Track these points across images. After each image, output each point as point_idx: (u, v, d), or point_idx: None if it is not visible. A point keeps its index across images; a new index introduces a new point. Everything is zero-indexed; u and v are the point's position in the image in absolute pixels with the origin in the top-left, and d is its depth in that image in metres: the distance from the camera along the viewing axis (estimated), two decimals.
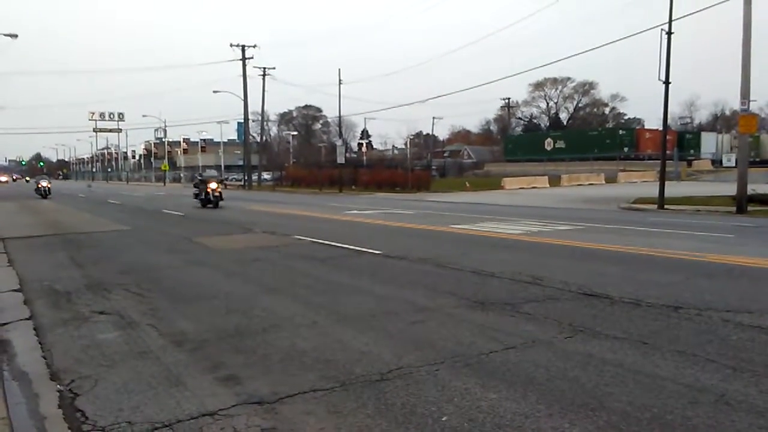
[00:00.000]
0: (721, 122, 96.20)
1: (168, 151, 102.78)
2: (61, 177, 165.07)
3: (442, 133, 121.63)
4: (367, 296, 8.05)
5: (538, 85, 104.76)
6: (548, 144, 76.08)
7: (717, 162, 66.85)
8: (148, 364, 5.34)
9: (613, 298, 7.59)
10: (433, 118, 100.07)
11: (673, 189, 29.74)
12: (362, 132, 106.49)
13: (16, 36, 31.61)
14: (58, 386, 4.87)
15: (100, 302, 7.96)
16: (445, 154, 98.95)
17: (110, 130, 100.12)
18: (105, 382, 4.92)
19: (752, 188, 23.64)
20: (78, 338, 6.26)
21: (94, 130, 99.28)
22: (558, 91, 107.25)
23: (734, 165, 36.28)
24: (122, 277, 9.84)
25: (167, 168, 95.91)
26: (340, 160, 53.03)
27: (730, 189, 25.21)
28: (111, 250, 13.47)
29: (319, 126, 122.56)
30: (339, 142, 58.56)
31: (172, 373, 5.08)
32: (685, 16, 26.55)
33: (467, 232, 16.18)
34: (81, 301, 8.09)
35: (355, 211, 24.84)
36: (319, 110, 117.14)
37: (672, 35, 25.68)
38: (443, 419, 4.07)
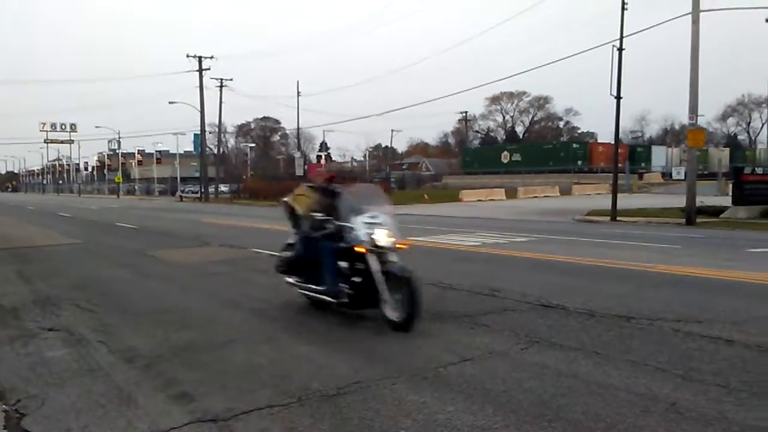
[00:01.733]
0: (670, 136, 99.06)
1: (122, 163, 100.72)
2: (10, 189, 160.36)
3: (400, 146, 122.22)
4: (324, 310, 7.99)
5: (495, 99, 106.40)
6: (505, 157, 77.19)
7: (667, 175, 68.72)
8: (98, 382, 5.18)
9: (568, 309, 7.70)
10: (392, 130, 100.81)
11: (625, 201, 30.46)
12: (321, 144, 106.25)
13: None
14: (4, 406, 4.69)
15: (48, 318, 7.72)
16: (404, 167, 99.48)
17: (62, 142, 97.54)
18: (53, 401, 4.76)
19: (701, 200, 24.39)
20: (25, 356, 6.05)
21: (45, 141, 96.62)
22: (514, 105, 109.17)
23: (683, 177, 37.41)
24: (72, 292, 9.57)
25: (121, 180, 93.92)
26: (299, 172, 52.91)
27: (680, 201, 25.94)
28: (61, 265, 13.10)
29: (278, 138, 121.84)
30: (297, 155, 58.47)
31: (123, 392, 4.95)
32: (635, 33, 27.28)
33: (425, 244, 16.25)
34: (29, 317, 7.82)
35: None
36: (278, 122, 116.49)
37: (623, 51, 26.42)
38: None
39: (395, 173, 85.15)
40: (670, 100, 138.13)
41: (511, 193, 51.45)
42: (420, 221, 26.03)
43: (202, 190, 64.62)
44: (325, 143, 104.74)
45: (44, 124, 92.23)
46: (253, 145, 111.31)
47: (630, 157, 66.97)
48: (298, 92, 55.43)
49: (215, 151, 77.03)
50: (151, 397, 4.84)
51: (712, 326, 6.80)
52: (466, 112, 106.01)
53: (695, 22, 22.96)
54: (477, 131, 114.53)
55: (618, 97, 26.78)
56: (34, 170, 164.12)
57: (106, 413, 4.49)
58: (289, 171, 63.81)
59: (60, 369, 5.58)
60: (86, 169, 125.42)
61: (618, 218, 25.69)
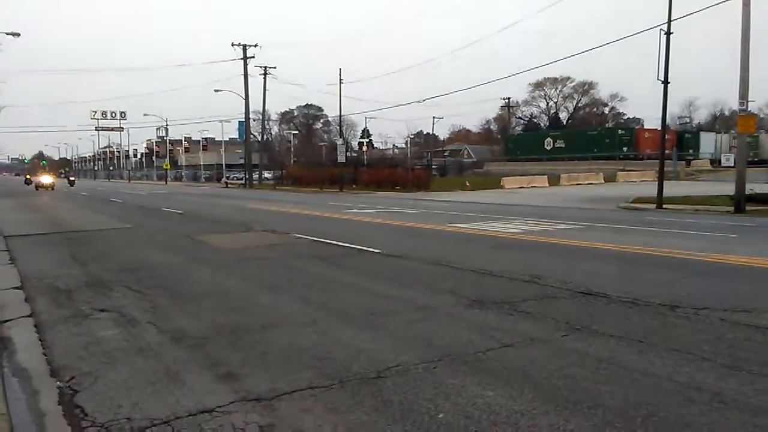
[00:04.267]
0: (720, 122, 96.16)
1: (170, 150, 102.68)
2: (63, 175, 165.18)
3: (442, 133, 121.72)
4: (366, 295, 8.09)
5: (538, 85, 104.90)
6: (548, 143, 76.08)
7: (716, 162, 66.76)
8: (147, 362, 5.37)
9: (610, 297, 7.62)
10: (434, 117, 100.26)
11: (672, 189, 29.78)
12: (363, 131, 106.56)
13: (18, 35, 31.69)
14: (58, 383, 4.90)
15: (100, 300, 7.99)
16: (446, 154, 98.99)
17: (112, 129, 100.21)
18: (104, 379, 4.95)
19: (750, 188, 23.68)
20: (78, 335, 6.30)
21: (96, 129, 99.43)
22: (558, 91, 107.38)
23: (733, 165, 36.29)
24: (123, 274, 9.88)
25: (168, 167, 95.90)
26: (341, 159, 53.10)
27: (729, 189, 25.25)
28: (112, 248, 13.50)
29: (320, 125, 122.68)
30: (340, 141, 58.62)
31: (171, 370, 5.12)
32: (683, 17, 26.50)
33: (467, 231, 16.22)
34: (82, 298, 8.12)
35: (356, 210, 24.88)
36: (320, 109, 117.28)
37: (671, 35, 25.70)
38: (439, 416, 4.10)
39: (437, 160, 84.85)
40: (719, 86, 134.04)
41: (554, 181, 50.77)
42: (462, 208, 25.94)
43: (247, 176, 65.48)
44: (367, 130, 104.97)
45: (95, 112, 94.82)
46: (296, 132, 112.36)
47: (677, 143, 65.38)
48: (341, 80, 55.54)
49: (259, 139, 77.91)
50: (197, 376, 4.99)
51: (761, 316, 6.65)
52: (509, 98, 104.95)
53: (746, 5, 22.19)
54: (520, 117, 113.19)
55: (665, 82, 26.10)
56: (86, 157, 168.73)
57: (156, 391, 4.66)
58: (331, 158, 64.06)
59: (111, 348, 5.80)
60: (135, 155, 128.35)
61: (664, 206, 25.13)
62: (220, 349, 5.71)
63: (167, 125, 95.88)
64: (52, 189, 42.56)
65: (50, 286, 9.05)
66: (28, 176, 64.45)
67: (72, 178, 63.61)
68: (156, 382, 4.84)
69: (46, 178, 48.96)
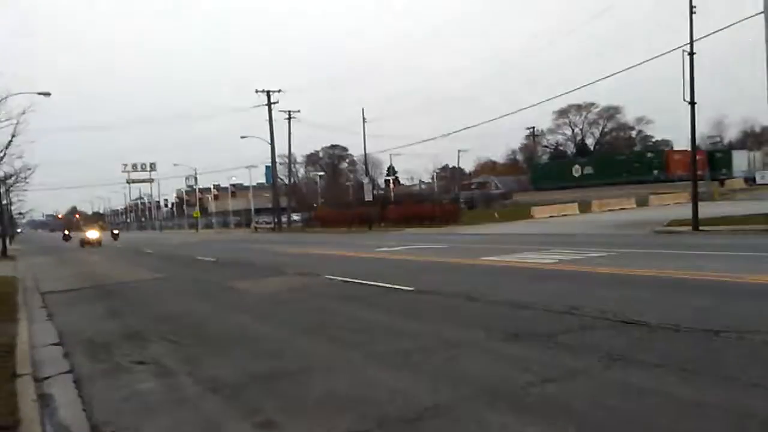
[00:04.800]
0: (751, 139, 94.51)
1: (199, 198, 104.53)
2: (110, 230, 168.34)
3: (467, 166, 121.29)
4: (401, 334, 8.03)
5: (562, 113, 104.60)
6: (576, 170, 75.50)
7: (750, 180, 65.57)
8: (186, 413, 5.38)
9: (650, 325, 7.44)
10: (459, 151, 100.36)
11: (706, 209, 29.22)
12: (388, 168, 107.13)
13: (48, 94, 32.71)
14: None
15: (137, 352, 8.06)
16: (473, 186, 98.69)
17: (143, 181, 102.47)
18: None
19: None
20: (117, 389, 6.34)
21: (127, 182, 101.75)
22: (582, 118, 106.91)
23: None
24: (158, 325, 9.97)
25: (199, 215, 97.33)
26: (368, 197, 53.37)
27: (767, 207, 24.71)
28: (147, 299, 13.67)
29: (346, 165, 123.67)
30: (366, 180, 59.02)
31: (210, 421, 5.11)
32: (705, 37, 26.34)
33: (499, 263, 16.07)
34: (119, 351, 8.20)
35: (386, 248, 24.85)
36: (345, 149, 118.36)
37: (694, 55, 25.57)
38: None
39: (464, 193, 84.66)
40: (748, 102, 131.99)
41: (585, 207, 50.23)
42: (492, 240, 25.78)
43: (275, 220, 66.12)
44: (393, 167, 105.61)
45: (126, 165, 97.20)
46: (323, 173, 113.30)
47: (709, 163, 64.39)
48: (364, 118, 56.01)
49: (286, 182, 78.79)
50: (237, 424, 4.98)
51: None
52: (533, 128, 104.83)
53: None
54: (545, 146, 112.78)
55: (692, 103, 25.87)
56: (118, 209, 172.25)
57: None
58: (359, 197, 64.41)
59: (150, 401, 5.82)
60: (166, 205, 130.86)
61: (700, 227, 24.64)
62: (257, 397, 5.69)
63: (196, 174, 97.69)
64: (99, 245, 38.06)
65: (88, 340, 9.16)
66: (66, 231, 56.80)
67: (116, 231, 56.66)
68: None
69: (92, 233, 41.65)
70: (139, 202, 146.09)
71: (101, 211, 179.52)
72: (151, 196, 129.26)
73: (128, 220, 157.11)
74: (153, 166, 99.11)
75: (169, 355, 7.74)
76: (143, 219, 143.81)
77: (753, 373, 5.31)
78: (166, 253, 32.95)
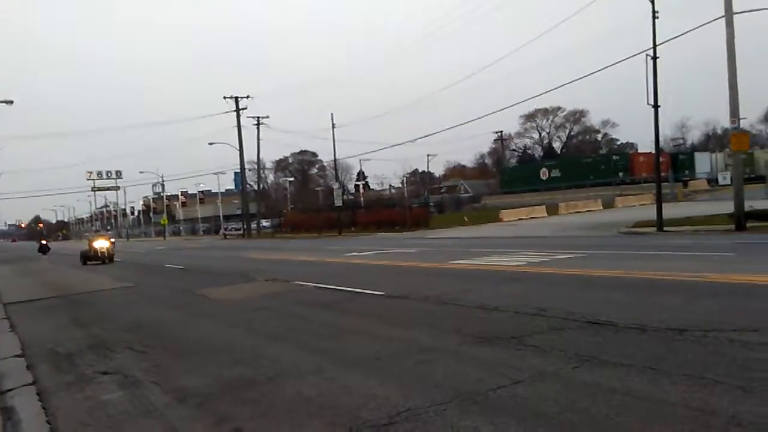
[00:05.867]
0: (713, 141, 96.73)
1: (166, 205, 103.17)
2: (60, 238, 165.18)
3: (437, 170, 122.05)
4: (371, 339, 8.01)
5: (530, 117, 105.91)
6: (543, 173, 76.39)
7: (713, 181, 67.02)
8: (153, 423, 5.28)
9: (617, 325, 7.55)
10: (428, 155, 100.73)
11: (670, 210, 29.79)
12: (358, 173, 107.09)
13: (11, 102, 32.10)
14: None
15: (102, 362, 7.91)
16: (442, 190, 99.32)
17: (108, 188, 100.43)
18: None
19: (750, 204, 23.69)
20: (82, 400, 6.21)
21: (92, 189, 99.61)
22: (549, 121, 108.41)
23: (730, 183, 36.41)
24: (125, 335, 9.79)
25: (166, 222, 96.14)
26: (338, 202, 53.28)
27: (728, 207, 25.27)
28: (113, 308, 13.42)
29: (316, 170, 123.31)
30: (336, 185, 58.96)
31: (177, 431, 5.02)
32: (667, 41, 26.91)
33: (469, 267, 16.16)
34: (84, 362, 8.03)
35: (356, 253, 24.83)
36: (315, 155, 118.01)
37: (657, 59, 26.09)
38: None
39: (434, 197, 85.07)
40: (710, 105, 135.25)
41: (553, 210, 50.85)
42: (462, 244, 25.92)
43: (245, 226, 65.58)
44: (363, 172, 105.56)
45: (91, 172, 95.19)
46: (292, 179, 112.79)
47: (673, 165, 65.59)
48: (333, 124, 55.92)
49: (255, 188, 78.27)
50: None
51: None
52: (501, 132, 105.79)
53: (729, 24, 22.59)
54: (513, 150, 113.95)
55: (656, 106, 26.39)
56: (83, 218, 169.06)
57: None
58: (329, 202, 64.27)
59: (116, 411, 5.70)
60: (133, 213, 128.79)
61: (664, 228, 25.12)
62: (227, 405, 5.61)
63: (163, 181, 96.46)
64: (111, 260, 29.50)
65: (51, 351, 8.96)
66: (44, 241, 46.76)
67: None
68: None
69: (101, 243, 30.36)
70: (104, 210, 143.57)
71: (65, 220, 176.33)
72: (117, 204, 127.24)
73: (94, 228, 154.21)
74: (119, 174, 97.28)
75: (136, 364, 7.60)
76: (109, 227, 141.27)
77: (717, 371, 5.41)
78: (133, 261, 32.42)
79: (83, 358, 8.29)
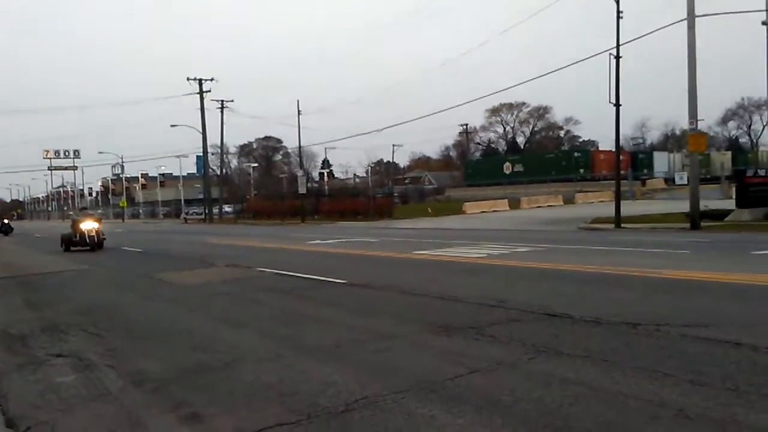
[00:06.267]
0: (672, 142, 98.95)
1: (126, 187, 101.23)
2: (15, 217, 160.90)
3: (402, 160, 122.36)
4: (332, 326, 8.02)
5: (495, 111, 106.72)
6: (507, 168, 77.26)
7: (670, 180, 68.63)
8: (107, 407, 5.20)
9: (574, 318, 7.69)
10: (393, 145, 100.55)
11: (629, 208, 30.43)
12: (323, 161, 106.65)
13: None
14: None
15: (56, 345, 7.75)
16: (407, 181, 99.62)
17: (65, 168, 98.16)
18: (62, 427, 4.78)
19: (704, 204, 24.37)
20: (34, 383, 6.08)
21: (49, 169, 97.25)
22: (514, 116, 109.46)
23: (686, 183, 37.32)
24: (80, 317, 9.60)
25: (125, 204, 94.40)
26: (302, 190, 52.96)
27: (684, 206, 25.93)
28: (68, 291, 13.15)
29: (280, 157, 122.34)
30: (300, 173, 58.56)
31: (132, 415, 4.96)
32: (631, 41, 27.41)
33: (431, 257, 16.26)
34: (36, 344, 7.85)
35: (319, 241, 24.76)
36: (280, 141, 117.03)
37: (620, 59, 26.53)
38: None
39: (398, 188, 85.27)
40: (670, 106, 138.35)
41: (515, 204, 51.46)
42: (425, 235, 26.06)
43: (207, 211, 64.80)
44: (327, 160, 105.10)
45: (47, 151, 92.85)
46: (256, 164, 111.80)
47: (632, 163, 67.03)
48: (299, 111, 55.42)
49: (218, 173, 77.33)
50: (160, 419, 4.85)
51: (720, 330, 6.78)
52: (466, 125, 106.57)
53: (691, 27, 23.09)
54: (478, 143, 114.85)
55: (617, 105, 26.86)
56: (39, 197, 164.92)
57: None
58: (292, 189, 63.89)
59: (69, 395, 5.60)
60: (90, 194, 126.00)
61: (622, 225, 25.66)
62: (183, 390, 5.56)
63: (123, 162, 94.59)
64: (101, 247, 24.60)
65: (3, 333, 8.74)
66: (6, 220, 42.98)
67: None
68: (116, 429, 4.68)
69: (89, 224, 25.01)
70: (61, 190, 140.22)
71: (21, 199, 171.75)
72: (74, 184, 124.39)
73: (50, 209, 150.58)
74: (77, 153, 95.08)
75: (91, 347, 7.47)
76: (66, 208, 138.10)
77: (667, 364, 5.56)
78: None
79: (36, 340, 8.11)
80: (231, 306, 10.14)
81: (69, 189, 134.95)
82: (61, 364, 6.76)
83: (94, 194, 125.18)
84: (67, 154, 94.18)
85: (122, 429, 4.67)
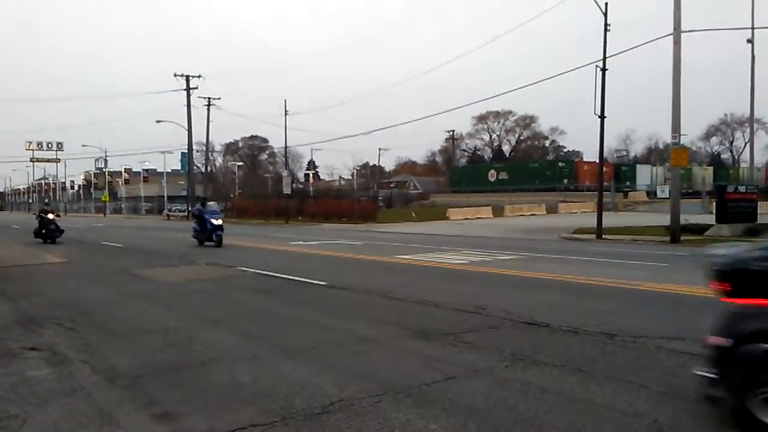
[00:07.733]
0: (655, 155, 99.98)
1: (109, 182, 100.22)
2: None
3: (388, 164, 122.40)
4: (310, 328, 7.99)
5: (481, 118, 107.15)
6: (492, 175, 77.61)
7: (652, 193, 69.19)
8: (79, 402, 5.14)
9: (552, 327, 7.73)
10: (380, 149, 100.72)
11: (610, 219, 30.65)
12: (309, 163, 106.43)
13: None
14: None
15: (31, 338, 7.64)
16: (392, 185, 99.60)
17: (48, 160, 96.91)
18: (34, 421, 4.71)
19: (685, 218, 24.60)
20: (6, 375, 5.99)
21: (31, 160, 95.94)
22: (500, 124, 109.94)
23: (668, 196, 37.67)
24: (56, 311, 9.49)
25: (107, 199, 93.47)
26: (287, 190, 52.73)
27: (665, 219, 26.14)
28: (45, 284, 12.98)
29: (266, 157, 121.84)
30: (285, 173, 58.42)
31: (104, 411, 4.90)
32: (618, 54, 27.70)
33: (412, 262, 16.27)
34: (11, 336, 7.74)
35: (301, 242, 24.69)
36: (266, 141, 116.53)
37: (606, 71, 26.75)
38: None
39: (383, 191, 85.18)
40: (654, 120, 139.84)
41: (498, 212, 51.64)
42: (408, 239, 26.07)
43: (189, 208, 64.33)
44: (313, 162, 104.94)
45: (30, 143, 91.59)
46: (241, 163, 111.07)
47: (615, 175, 67.54)
48: (286, 111, 55.19)
49: (203, 170, 76.84)
50: (133, 416, 4.80)
51: (696, 343, 6.80)
52: (453, 131, 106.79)
53: (677, 42, 23.33)
54: (464, 150, 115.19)
55: (602, 117, 27.06)
56: (20, 189, 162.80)
57: None
58: (277, 189, 63.62)
59: (42, 389, 5.53)
60: (73, 187, 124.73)
61: (604, 236, 25.83)
62: (158, 388, 5.51)
63: (106, 156, 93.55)
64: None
65: None
66: None
67: None
68: (88, 425, 4.62)
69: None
70: (43, 182, 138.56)
71: (1, 190, 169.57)
72: (56, 177, 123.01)
73: (31, 201, 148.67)
74: (60, 146, 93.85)
75: (66, 342, 7.38)
76: (47, 200, 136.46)
77: (642, 376, 5.60)
78: (69, 237, 31.38)
79: (10, 332, 8.00)
80: (209, 304, 10.07)
81: (51, 181, 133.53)
82: (35, 358, 6.67)
83: (76, 187, 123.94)
84: (50, 146, 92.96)
85: (94, 425, 4.61)
